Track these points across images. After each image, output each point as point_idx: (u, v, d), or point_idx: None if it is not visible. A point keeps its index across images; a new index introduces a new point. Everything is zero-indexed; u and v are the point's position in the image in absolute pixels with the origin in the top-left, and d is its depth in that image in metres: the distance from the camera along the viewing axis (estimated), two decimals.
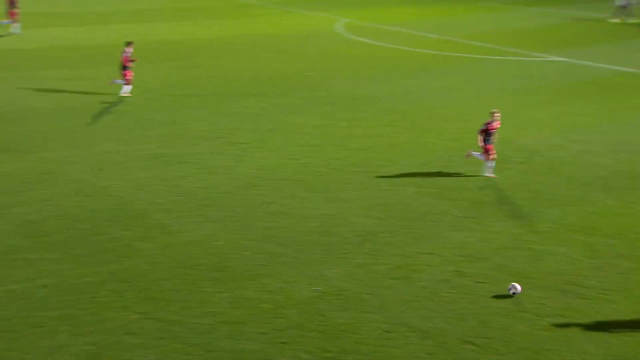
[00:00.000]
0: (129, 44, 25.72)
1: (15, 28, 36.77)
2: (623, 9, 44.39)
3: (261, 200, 17.61)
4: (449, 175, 19.51)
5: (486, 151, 18.96)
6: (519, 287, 13.33)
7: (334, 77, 31.33)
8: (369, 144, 22.16)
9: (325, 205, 17.45)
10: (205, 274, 13.70)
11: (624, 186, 18.27)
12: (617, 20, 43.90)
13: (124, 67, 25.67)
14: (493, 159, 18.97)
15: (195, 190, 17.80)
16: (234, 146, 21.60)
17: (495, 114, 18.71)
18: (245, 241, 15.30)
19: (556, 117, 24.54)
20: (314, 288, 13.46)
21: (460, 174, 19.57)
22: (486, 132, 18.78)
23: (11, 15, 36.36)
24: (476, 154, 19.39)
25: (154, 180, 18.30)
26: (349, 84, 30.00)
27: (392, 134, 23.27)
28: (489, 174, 19.13)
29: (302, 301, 13.03)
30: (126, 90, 26.01)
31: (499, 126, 18.88)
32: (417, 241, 15.56)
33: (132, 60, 25.70)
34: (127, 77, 25.76)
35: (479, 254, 14.94)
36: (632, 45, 37.10)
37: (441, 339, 11.99)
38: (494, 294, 13.34)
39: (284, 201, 17.57)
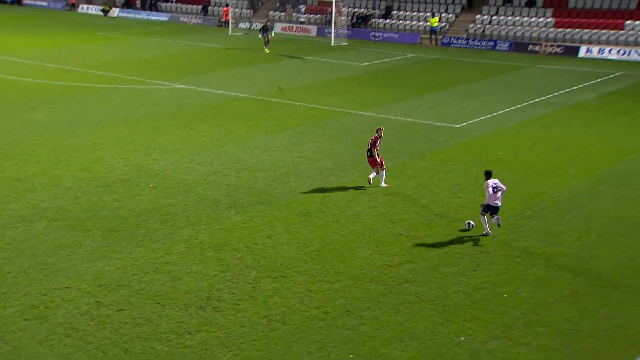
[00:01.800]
0: None
1: None
2: (266, 38, 47.37)
3: None
4: (82, 206, 18.92)
5: (380, 163, 20.61)
6: (472, 222, 17.46)
7: None
8: None
9: None
10: None
11: (248, 202, 19.55)
12: (267, 50, 46.89)
13: None
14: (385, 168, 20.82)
15: None
16: None
17: (382, 130, 20.71)
18: None
19: (182, 141, 25.30)
20: None
21: (95, 203, 19.11)
22: (375, 147, 20.40)
23: None
24: (383, 185, 20.71)
25: None
26: None
27: (16, 168, 21.85)
28: (384, 183, 20.82)
29: None
30: None
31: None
32: (52, 277, 14.80)
33: None
34: None
35: (118, 282, 14.75)
36: (243, 72, 39.95)
37: None
38: (136, 320, 13.26)
39: None
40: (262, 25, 49.51)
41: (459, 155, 24.23)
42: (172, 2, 68.12)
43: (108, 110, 29.74)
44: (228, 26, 57.91)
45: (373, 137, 20.75)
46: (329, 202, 19.63)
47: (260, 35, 47.85)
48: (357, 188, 20.74)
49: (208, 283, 14.80)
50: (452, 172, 22.35)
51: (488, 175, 17.41)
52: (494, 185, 17.13)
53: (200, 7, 65.92)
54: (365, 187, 20.82)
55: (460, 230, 17.70)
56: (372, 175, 20.77)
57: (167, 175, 21.60)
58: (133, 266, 15.47)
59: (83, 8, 70.48)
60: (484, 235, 17.37)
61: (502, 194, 17.33)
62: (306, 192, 20.32)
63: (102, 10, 67.91)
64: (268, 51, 46.75)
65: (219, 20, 62.36)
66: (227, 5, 60.63)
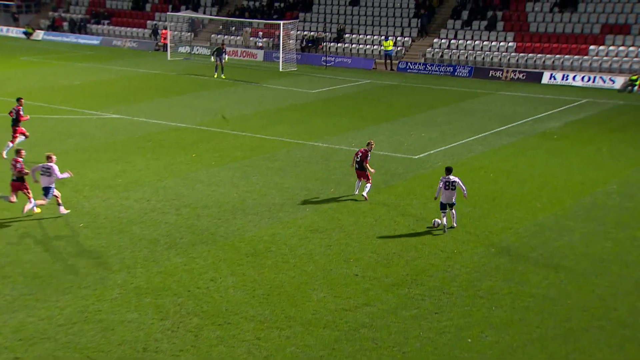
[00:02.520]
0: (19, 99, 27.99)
1: None
2: (217, 62, 47.79)
3: None
4: (0, 250, 18.45)
5: (367, 177, 22.86)
6: (438, 221, 20.51)
7: None
8: None
9: None
10: None
11: (189, 242, 19.34)
12: (223, 76, 47.31)
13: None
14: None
15: None
16: None
17: (372, 144, 23.26)
18: None
19: (116, 176, 25.00)
20: None
21: (16, 246, 18.66)
22: (366, 160, 22.68)
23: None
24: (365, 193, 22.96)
25: None
26: None
27: None
28: (365, 194, 23.02)
29: None
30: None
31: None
32: None
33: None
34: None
35: (42, 334, 14.37)
36: (183, 100, 39.84)
37: None
38: None
39: None
40: (216, 47, 49.78)
41: (419, 188, 24.45)
42: (103, 24, 67.81)
43: (32, 143, 29.24)
44: (166, 50, 57.83)
45: (363, 150, 22.98)
46: (279, 240, 19.56)
47: (212, 59, 48.22)
48: (309, 225, 20.72)
49: (145, 333, 14.52)
50: (412, 207, 22.52)
51: (448, 171, 20.60)
52: (446, 181, 20.33)
53: (137, 29, 65.74)
54: (318, 224, 20.82)
55: (428, 227, 20.66)
56: (363, 191, 23.07)
57: (99, 214, 21.27)
58: (59, 316, 15.10)
59: (2, 30, 69.64)
60: (436, 227, 20.56)
61: (455, 191, 20.35)
62: (253, 230, 20.21)
63: (25, 33, 67.15)
64: (224, 77, 47.14)
65: (157, 44, 62.26)
66: (165, 28, 60.63)
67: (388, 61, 53.20)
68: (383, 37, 55.49)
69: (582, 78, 47.25)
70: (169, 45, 57.63)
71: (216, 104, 38.43)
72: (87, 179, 24.58)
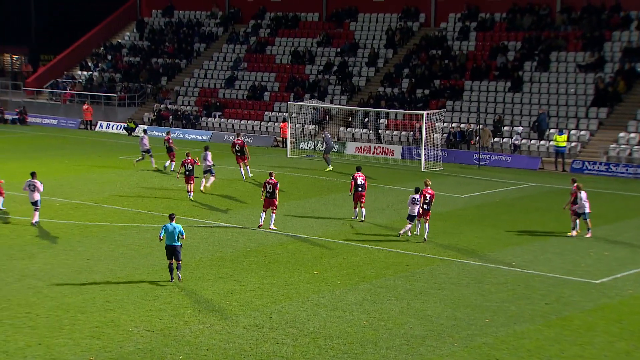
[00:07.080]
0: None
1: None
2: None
3: None
4: None
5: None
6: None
7: None
8: None
9: None
10: None
11: None
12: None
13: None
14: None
15: None
16: None
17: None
18: None
19: (224, 297, 25.38)
20: None
21: None
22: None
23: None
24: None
25: None
26: None
27: (4, 337, 22.19)
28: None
29: None
30: None
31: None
32: None
33: None
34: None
35: None
36: (303, 206, 40.32)
37: None
38: None
39: None
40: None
41: (601, 322, 23.61)
42: (214, 116, 70.30)
43: (128, 257, 30.24)
44: (286, 146, 59.32)
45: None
46: None
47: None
48: None
49: None
50: (592, 347, 21.73)
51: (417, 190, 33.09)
52: (413, 197, 32.71)
53: (253, 122, 67.82)
54: None
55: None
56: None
57: (200, 344, 21.56)
58: None
59: (102, 126, 73.36)
60: (401, 234, 32.65)
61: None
62: None
63: (126, 129, 69.97)
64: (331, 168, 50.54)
65: (275, 139, 63.99)
66: (284, 120, 62.35)
67: (559, 160, 52.52)
68: (553, 130, 54.92)
69: None
70: (289, 140, 59.09)
71: (343, 211, 38.77)
72: (188, 301, 25.07)
